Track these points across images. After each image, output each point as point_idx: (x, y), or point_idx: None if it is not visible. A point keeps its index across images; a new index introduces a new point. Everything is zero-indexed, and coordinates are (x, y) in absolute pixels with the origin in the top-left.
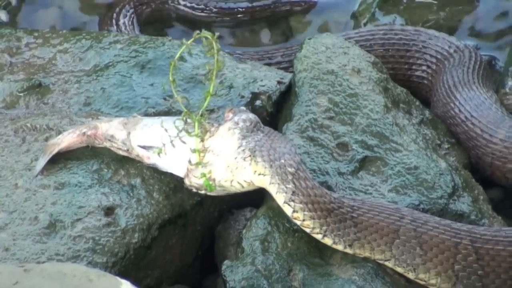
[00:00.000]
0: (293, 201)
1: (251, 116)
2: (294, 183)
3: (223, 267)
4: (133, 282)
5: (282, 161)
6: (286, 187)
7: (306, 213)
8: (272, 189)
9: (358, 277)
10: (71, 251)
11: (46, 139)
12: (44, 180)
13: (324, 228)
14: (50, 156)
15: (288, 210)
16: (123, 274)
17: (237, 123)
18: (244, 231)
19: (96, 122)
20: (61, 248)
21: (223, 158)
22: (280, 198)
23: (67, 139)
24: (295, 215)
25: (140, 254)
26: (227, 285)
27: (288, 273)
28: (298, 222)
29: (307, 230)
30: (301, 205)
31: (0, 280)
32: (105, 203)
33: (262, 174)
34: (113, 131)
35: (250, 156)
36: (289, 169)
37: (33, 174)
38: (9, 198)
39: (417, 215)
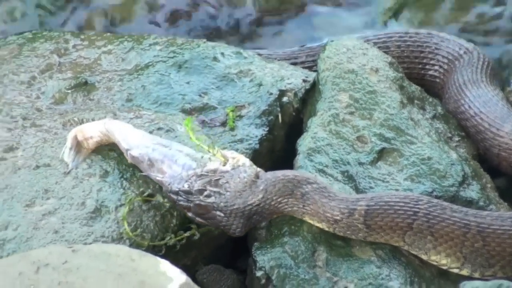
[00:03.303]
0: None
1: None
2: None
3: (254, 248)
4: (171, 261)
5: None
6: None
7: (315, 223)
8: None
9: (376, 258)
10: (115, 234)
11: None
12: (90, 169)
13: (336, 230)
14: (73, 143)
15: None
16: (162, 254)
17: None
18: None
19: (111, 121)
20: (106, 230)
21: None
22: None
23: (87, 127)
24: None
25: (178, 237)
26: (257, 264)
27: (312, 254)
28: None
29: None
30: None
31: (51, 259)
32: (146, 190)
33: None
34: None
35: None
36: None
37: (67, 168)
38: (59, 185)
39: (432, 208)
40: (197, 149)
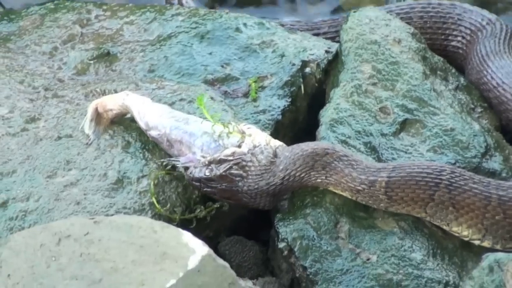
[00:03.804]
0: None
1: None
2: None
3: (276, 219)
4: (193, 233)
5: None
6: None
7: (339, 192)
8: None
9: (399, 229)
10: (137, 205)
11: None
12: (112, 140)
13: (359, 199)
14: (94, 115)
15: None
16: (184, 225)
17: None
18: None
19: (130, 97)
20: (128, 202)
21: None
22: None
23: (107, 99)
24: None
25: (199, 207)
26: (280, 236)
27: (335, 225)
28: None
29: None
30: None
31: (72, 231)
32: (168, 161)
33: None
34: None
35: None
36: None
37: (89, 140)
38: (81, 157)
39: (454, 179)
40: (212, 129)
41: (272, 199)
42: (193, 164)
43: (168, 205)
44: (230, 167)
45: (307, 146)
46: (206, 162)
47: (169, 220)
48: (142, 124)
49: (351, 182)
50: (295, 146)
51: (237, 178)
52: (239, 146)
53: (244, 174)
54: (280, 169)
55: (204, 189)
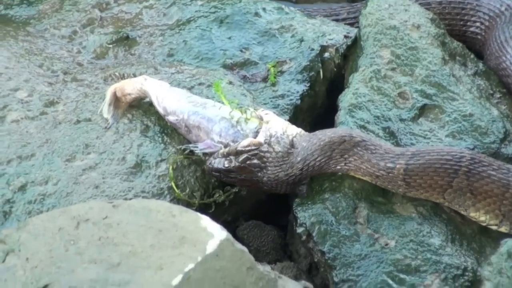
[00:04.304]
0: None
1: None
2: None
3: (294, 204)
4: (212, 217)
5: None
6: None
7: (359, 177)
8: None
9: (417, 215)
10: (156, 189)
11: None
12: (131, 124)
13: (378, 183)
14: (112, 99)
15: None
16: (203, 210)
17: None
18: None
19: (148, 82)
20: (146, 186)
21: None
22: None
23: (126, 84)
24: None
25: (218, 192)
26: (298, 221)
27: (353, 210)
28: None
29: None
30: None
31: (91, 215)
32: (187, 147)
33: None
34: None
35: None
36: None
37: (107, 124)
38: (99, 140)
39: (473, 165)
40: (230, 115)
41: (292, 186)
42: (212, 155)
43: (187, 189)
44: (248, 158)
45: (324, 135)
46: (225, 153)
47: (187, 205)
48: (160, 109)
49: (370, 168)
50: (312, 135)
51: (256, 169)
52: (256, 133)
53: (263, 165)
54: (298, 160)
55: (224, 179)
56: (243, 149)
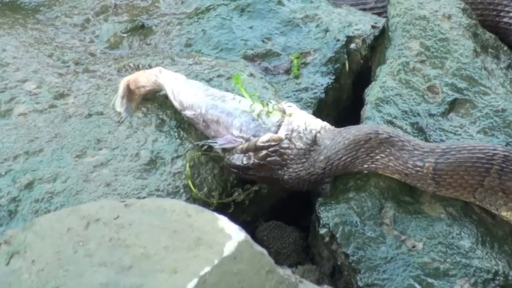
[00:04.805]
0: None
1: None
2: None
3: (317, 204)
4: (229, 217)
5: None
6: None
7: (388, 175)
8: None
9: (446, 216)
10: (171, 187)
11: None
12: (146, 118)
13: (407, 181)
14: (125, 91)
15: None
16: (220, 210)
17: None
18: None
19: (163, 74)
20: (161, 184)
21: None
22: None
23: (140, 76)
24: None
25: (238, 190)
26: (321, 221)
27: (379, 210)
28: None
29: None
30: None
31: (102, 214)
32: (205, 142)
33: None
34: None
35: None
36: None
37: (120, 118)
38: (112, 135)
39: (506, 163)
40: (250, 108)
41: (315, 184)
42: (231, 151)
43: (205, 188)
44: (268, 155)
45: (348, 133)
46: (244, 149)
47: (204, 204)
48: (176, 104)
49: (399, 165)
50: (336, 132)
51: (276, 167)
52: (279, 127)
53: (283, 163)
54: (321, 159)
55: (243, 176)
56: (263, 144)
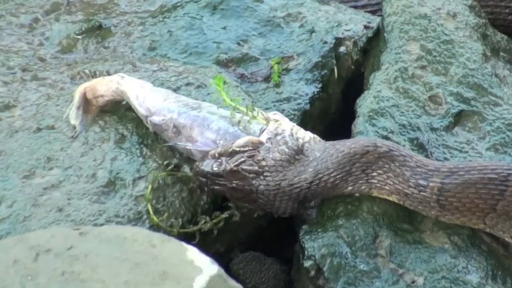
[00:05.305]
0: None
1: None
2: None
3: (301, 232)
4: (200, 248)
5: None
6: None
7: (385, 197)
8: None
9: (451, 246)
10: (132, 213)
11: None
12: (103, 133)
13: (407, 203)
14: (81, 101)
15: None
16: (189, 239)
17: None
18: None
19: (125, 80)
20: (121, 209)
21: None
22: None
23: (98, 84)
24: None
25: (204, 218)
26: (306, 252)
27: (373, 240)
28: None
29: None
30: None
31: (53, 244)
32: (170, 159)
33: None
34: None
35: None
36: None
37: (75, 132)
38: (64, 153)
39: None
40: (231, 113)
41: (294, 205)
42: (201, 156)
43: (166, 214)
44: (243, 161)
45: (343, 146)
46: (216, 154)
47: (165, 233)
48: (141, 110)
49: (398, 183)
50: (328, 144)
51: (251, 175)
52: (261, 134)
53: (260, 170)
54: (308, 170)
55: (212, 187)
56: (239, 149)
